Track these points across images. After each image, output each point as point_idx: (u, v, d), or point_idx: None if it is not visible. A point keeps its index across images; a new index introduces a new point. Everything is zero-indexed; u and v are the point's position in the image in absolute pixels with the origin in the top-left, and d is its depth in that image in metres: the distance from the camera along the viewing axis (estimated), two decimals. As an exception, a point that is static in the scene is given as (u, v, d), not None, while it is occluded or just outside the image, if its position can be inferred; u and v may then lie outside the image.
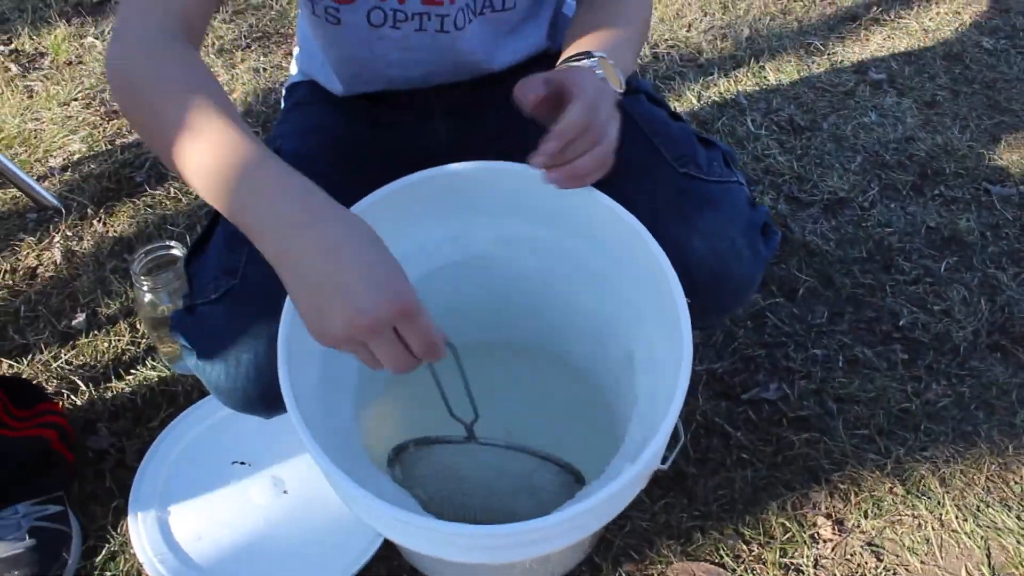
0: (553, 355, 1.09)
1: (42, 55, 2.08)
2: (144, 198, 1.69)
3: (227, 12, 2.20)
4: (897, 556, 1.18)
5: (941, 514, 1.22)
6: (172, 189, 1.71)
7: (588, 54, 0.82)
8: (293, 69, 1.13)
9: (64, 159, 1.79)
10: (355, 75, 1.00)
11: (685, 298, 0.76)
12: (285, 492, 1.22)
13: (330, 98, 1.05)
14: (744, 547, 1.18)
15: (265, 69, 2.02)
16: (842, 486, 1.25)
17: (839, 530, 1.20)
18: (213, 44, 2.09)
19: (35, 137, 1.84)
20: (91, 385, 1.38)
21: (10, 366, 1.40)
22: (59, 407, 1.30)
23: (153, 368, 1.40)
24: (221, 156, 0.66)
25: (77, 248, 1.60)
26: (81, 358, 1.42)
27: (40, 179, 1.72)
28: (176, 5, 0.76)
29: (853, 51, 2.10)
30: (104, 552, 1.18)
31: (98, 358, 1.42)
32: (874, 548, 1.18)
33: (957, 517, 1.21)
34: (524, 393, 1.08)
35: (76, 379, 1.38)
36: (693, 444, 1.29)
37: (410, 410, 1.00)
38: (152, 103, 0.71)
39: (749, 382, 1.38)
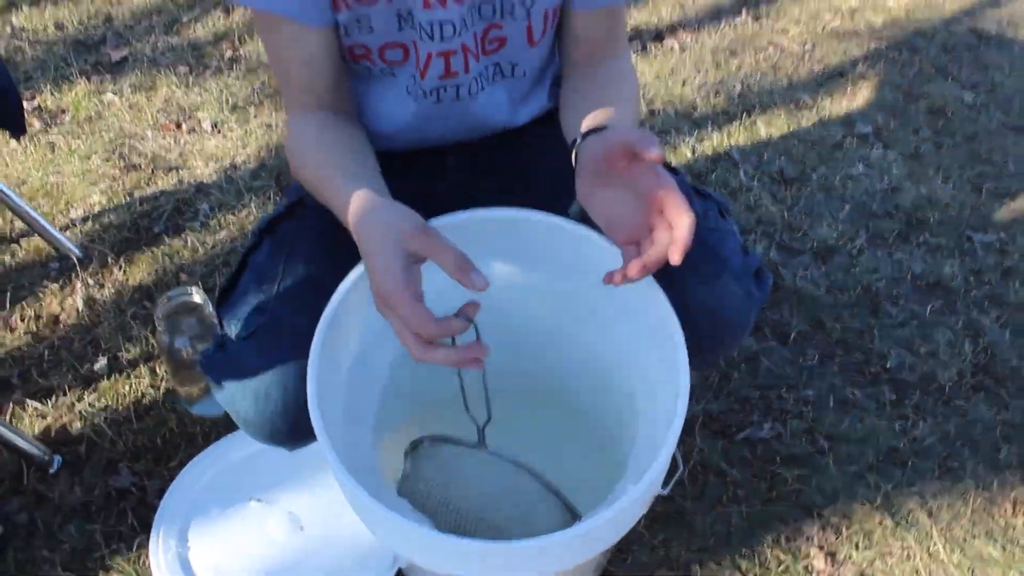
0: (556, 394, 1.14)
1: (63, 111, 2.16)
2: (162, 247, 1.76)
3: (240, 70, 2.30)
4: (888, 587, 1.23)
5: (929, 545, 1.27)
6: (189, 239, 1.78)
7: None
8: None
9: (85, 210, 1.86)
10: (375, 135, 1.08)
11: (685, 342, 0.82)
12: (302, 528, 1.27)
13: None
14: (741, 579, 1.23)
15: (277, 125, 2.11)
16: (834, 520, 1.30)
17: (832, 562, 1.25)
18: (227, 101, 2.18)
19: (57, 190, 1.92)
20: (113, 427, 1.43)
21: (35, 408, 1.46)
22: None
23: (173, 410, 1.45)
24: (336, 198, 0.87)
25: (98, 295, 1.67)
26: (103, 401, 1.48)
27: (62, 229, 1.80)
28: (306, 97, 0.96)
29: (840, 105, 2.19)
30: (127, 586, 1.23)
31: (119, 401, 1.48)
32: (866, 579, 1.24)
33: (944, 548, 1.27)
34: (525, 430, 1.13)
35: (98, 421, 1.44)
36: (691, 480, 1.35)
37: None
38: (302, 171, 0.96)
39: (744, 422, 1.44)
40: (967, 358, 1.55)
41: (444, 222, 0.90)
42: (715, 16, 2.58)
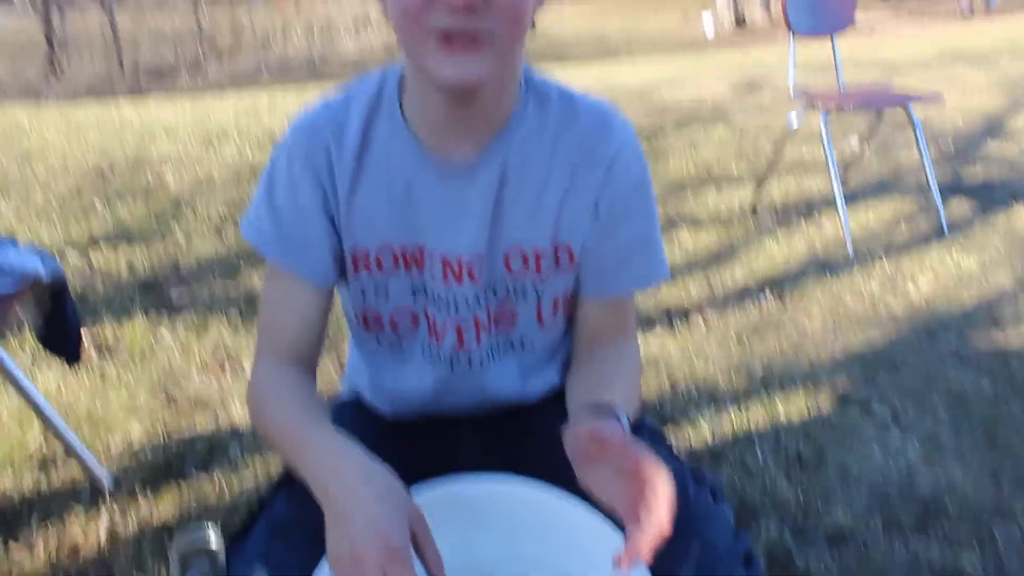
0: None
1: (119, 344, 2.31)
2: (191, 485, 1.82)
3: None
4: None
5: None
6: (217, 480, 1.84)
7: (612, 411, 0.94)
8: (342, 387, 1.30)
9: (123, 441, 1.95)
10: (399, 400, 1.16)
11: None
12: None
13: (373, 418, 1.20)
14: None
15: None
16: None
17: None
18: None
19: (100, 418, 2.02)
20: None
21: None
22: None
23: (173, 651, 1.45)
24: (311, 444, 0.91)
25: (120, 527, 1.71)
26: (107, 636, 1.48)
27: (99, 457, 1.87)
28: (285, 346, 1.03)
29: (860, 388, 2.25)
30: None
31: (123, 638, 1.48)
32: None
33: None
34: None
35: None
36: None
37: None
38: (264, 421, 1.00)
39: None
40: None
41: (442, 494, 0.95)
42: (741, 296, 2.72)
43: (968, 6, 15.32)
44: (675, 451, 1.14)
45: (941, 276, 2.85)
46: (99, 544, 1.67)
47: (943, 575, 1.67)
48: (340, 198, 1.01)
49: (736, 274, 2.92)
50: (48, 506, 1.75)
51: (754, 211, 3.56)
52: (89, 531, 1.70)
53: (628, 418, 0.97)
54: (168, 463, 1.89)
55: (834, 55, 3.54)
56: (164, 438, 1.97)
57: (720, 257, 3.07)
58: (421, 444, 1.18)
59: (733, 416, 2.12)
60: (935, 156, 4.23)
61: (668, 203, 3.64)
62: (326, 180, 1.01)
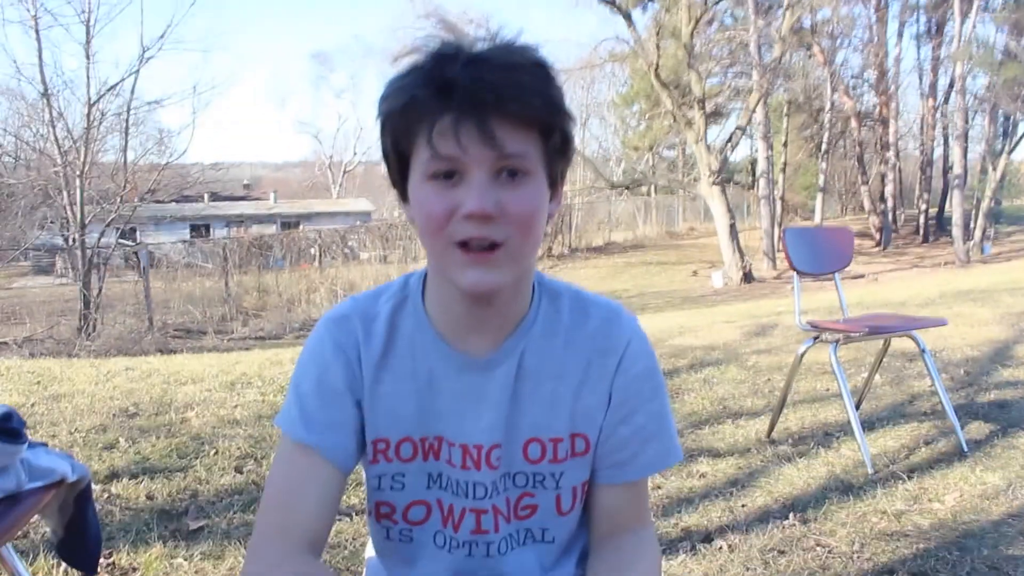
0: None
1: (135, 570, 2.28)
2: None
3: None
4: None
5: None
6: None
7: None
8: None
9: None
10: None
11: None
12: None
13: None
14: None
15: (325, 559, 2.16)
16: None
17: None
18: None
19: (110, 644, 1.96)
20: None
21: None
22: None
23: None
24: None
25: None
26: None
27: None
28: (298, 529, 1.00)
29: (892, 607, 2.17)
30: None
31: None
32: None
33: None
34: None
35: None
36: None
37: None
38: None
39: None
40: None
41: None
42: (763, 518, 2.68)
43: (964, 254, 16.00)
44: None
45: (967, 493, 2.80)
46: None
47: None
48: (366, 385, 1.06)
49: (757, 499, 2.88)
50: None
51: (771, 440, 3.56)
52: None
53: None
54: None
55: (837, 291, 3.69)
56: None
57: (739, 483, 3.04)
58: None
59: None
60: (948, 384, 4.27)
61: (686, 436, 3.65)
62: (355, 365, 1.06)
